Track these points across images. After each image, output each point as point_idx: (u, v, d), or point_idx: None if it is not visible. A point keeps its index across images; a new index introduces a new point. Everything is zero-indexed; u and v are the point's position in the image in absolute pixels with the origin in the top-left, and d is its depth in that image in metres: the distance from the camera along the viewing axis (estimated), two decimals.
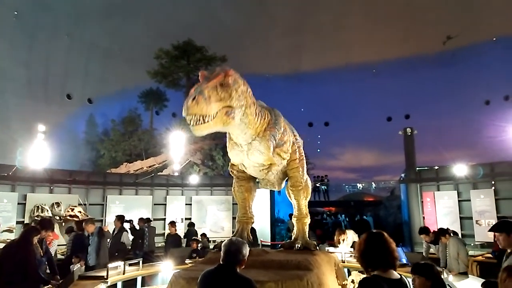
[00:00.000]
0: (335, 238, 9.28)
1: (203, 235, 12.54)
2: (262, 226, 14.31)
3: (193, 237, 10.55)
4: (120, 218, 9.19)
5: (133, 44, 31.53)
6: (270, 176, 5.18)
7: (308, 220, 5.78)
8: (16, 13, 26.56)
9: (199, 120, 3.26)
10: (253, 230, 8.95)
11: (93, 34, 30.72)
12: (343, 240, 9.00)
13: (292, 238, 5.79)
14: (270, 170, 4.47)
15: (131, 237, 10.45)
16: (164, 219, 14.06)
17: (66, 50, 29.74)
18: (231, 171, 4.80)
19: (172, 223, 10.17)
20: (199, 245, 9.76)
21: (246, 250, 3.12)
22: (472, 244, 11.02)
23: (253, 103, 4.05)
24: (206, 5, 31.91)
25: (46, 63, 28.53)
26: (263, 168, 4.48)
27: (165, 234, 12.47)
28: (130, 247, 10.40)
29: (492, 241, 9.15)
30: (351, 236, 9.16)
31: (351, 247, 8.80)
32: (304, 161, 5.79)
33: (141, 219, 10.95)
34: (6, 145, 21.55)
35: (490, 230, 4.01)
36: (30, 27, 27.26)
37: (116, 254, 8.21)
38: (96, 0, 29.80)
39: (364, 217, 21.26)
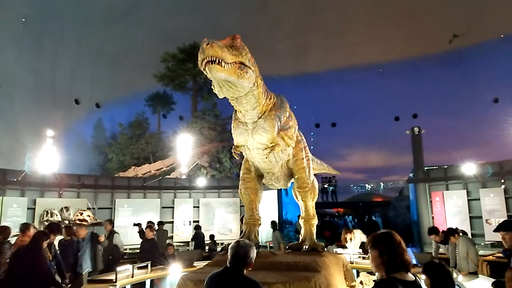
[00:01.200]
0: (341, 237, 9.25)
1: (211, 236, 12.55)
2: (270, 228, 14.27)
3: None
4: (111, 223, 9.29)
5: (139, 48, 31.79)
6: (275, 168, 5.12)
7: (315, 222, 5.73)
8: (24, 19, 26.89)
9: (215, 61, 3.32)
10: None
11: (100, 39, 31.05)
12: (350, 239, 8.94)
13: (300, 240, 5.77)
14: (274, 150, 4.44)
15: (139, 240, 10.50)
16: (172, 222, 14.12)
17: (74, 56, 30.07)
18: (234, 152, 4.78)
19: (150, 227, 9.05)
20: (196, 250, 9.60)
21: (254, 252, 3.09)
22: (482, 244, 10.88)
23: (260, 78, 4.10)
24: (211, 8, 32.05)
25: (54, 69, 28.86)
26: (266, 148, 4.46)
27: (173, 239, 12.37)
28: (137, 250, 10.41)
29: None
30: (358, 236, 9.09)
31: (359, 247, 8.75)
32: (311, 161, 5.76)
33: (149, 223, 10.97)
34: (15, 150, 21.81)
35: (495, 230, 3.99)
36: (38, 33, 27.60)
37: (110, 257, 8.19)
38: (103, 5, 30.09)
39: (373, 217, 21.13)
